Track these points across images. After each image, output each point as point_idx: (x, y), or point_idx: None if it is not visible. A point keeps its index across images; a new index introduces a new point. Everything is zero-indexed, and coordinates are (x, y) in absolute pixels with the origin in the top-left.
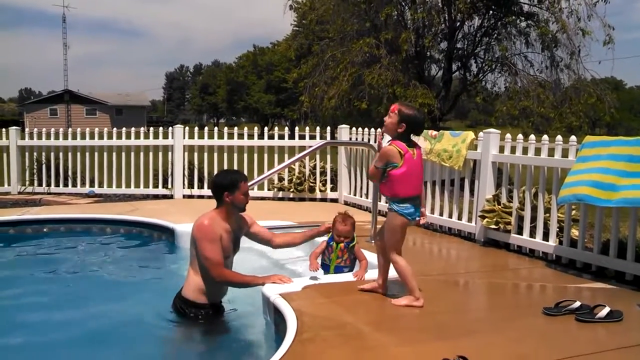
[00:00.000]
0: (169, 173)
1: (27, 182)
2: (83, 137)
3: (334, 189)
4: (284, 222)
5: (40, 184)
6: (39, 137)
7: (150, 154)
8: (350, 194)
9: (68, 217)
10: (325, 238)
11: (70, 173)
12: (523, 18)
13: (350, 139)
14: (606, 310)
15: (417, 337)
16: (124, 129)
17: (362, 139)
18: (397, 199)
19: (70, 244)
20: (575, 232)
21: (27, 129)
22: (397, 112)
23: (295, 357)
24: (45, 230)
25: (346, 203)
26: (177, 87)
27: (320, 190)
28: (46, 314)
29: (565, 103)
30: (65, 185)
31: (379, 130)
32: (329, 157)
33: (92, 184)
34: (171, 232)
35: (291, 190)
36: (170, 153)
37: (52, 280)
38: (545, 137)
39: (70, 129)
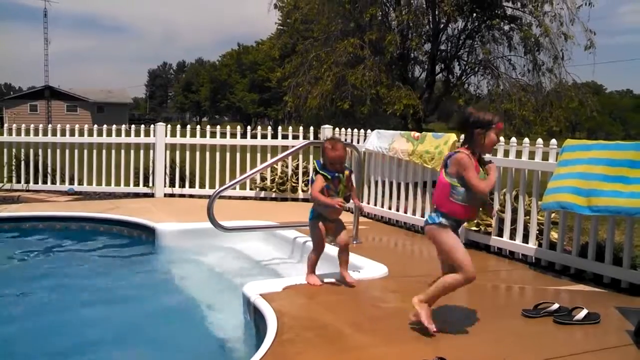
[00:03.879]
0: (150, 171)
1: (5, 179)
2: (63, 133)
3: None
4: (266, 222)
5: (18, 181)
6: (18, 133)
7: (132, 151)
8: None
9: (47, 215)
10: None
11: (49, 170)
12: (506, 21)
13: None
14: (584, 312)
15: (397, 338)
16: (104, 126)
17: (345, 140)
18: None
19: (49, 242)
20: (554, 235)
21: (6, 125)
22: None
23: (275, 358)
24: (23, 227)
25: None
26: (160, 84)
27: (303, 191)
28: (23, 313)
29: (546, 107)
30: (45, 182)
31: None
32: (311, 157)
33: (72, 182)
34: (152, 231)
35: (273, 190)
36: (151, 151)
37: (30, 278)
38: (526, 140)
39: (50, 126)
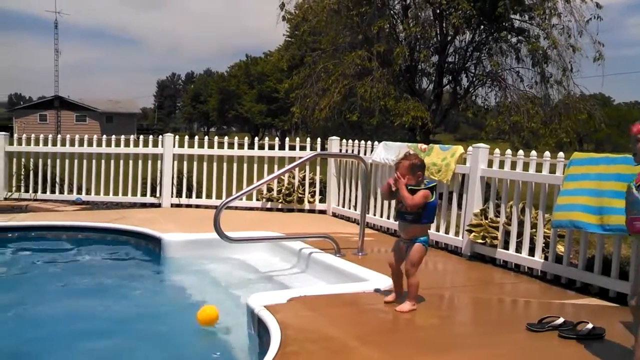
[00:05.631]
0: (158, 181)
1: (14, 188)
2: (72, 144)
3: (322, 201)
4: (272, 233)
5: (27, 190)
6: (28, 143)
7: (140, 162)
8: (338, 205)
9: (54, 224)
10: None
11: (58, 180)
12: (514, 33)
13: (340, 150)
14: (589, 327)
15: (402, 352)
16: (113, 136)
17: (352, 151)
18: None
19: (56, 251)
20: (560, 248)
21: (15, 135)
22: None
23: None
24: (30, 237)
25: (334, 215)
26: (169, 95)
27: (309, 202)
28: (28, 323)
29: (555, 119)
30: (53, 192)
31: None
32: (318, 168)
33: (79, 191)
34: (158, 241)
35: (280, 200)
36: (159, 161)
37: (37, 288)
38: (533, 152)
39: (59, 135)
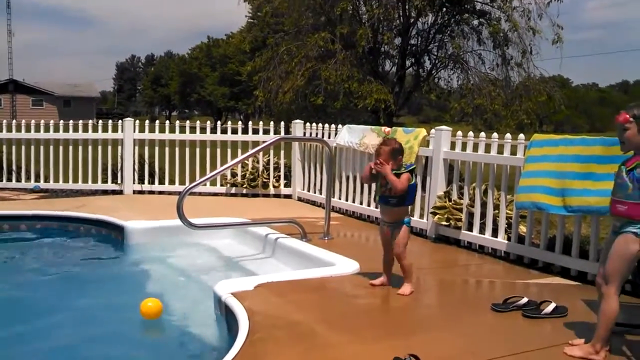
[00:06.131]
0: (119, 168)
1: None
2: (28, 129)
3: (287, 185)
4: (237, 219)
5: None
6: None
7: (99, 147)
8: (304, 190)
9: (11, 214)
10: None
11: (14, 167)
12: (476, 16)
13: (304, 134)
14: (552, 306)
15: (369, 335)
16: (71, 121)
17: (316, 135)
18: None
19: (13, 242)
20: (523, 229)
21: None
22: (634, 118)
23: (246, 358)
24: None
25: (300, 199)
26: (128, 78)
27: (274, 186)
28: None
29: (515, 100)
30: (9, 180)
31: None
32: (282, 152)
33: (37, 179)
34: (121, 229)
35: (244, 186)
36: (120, 147)
37: None
38: (495, 134)
39: (14, 121)
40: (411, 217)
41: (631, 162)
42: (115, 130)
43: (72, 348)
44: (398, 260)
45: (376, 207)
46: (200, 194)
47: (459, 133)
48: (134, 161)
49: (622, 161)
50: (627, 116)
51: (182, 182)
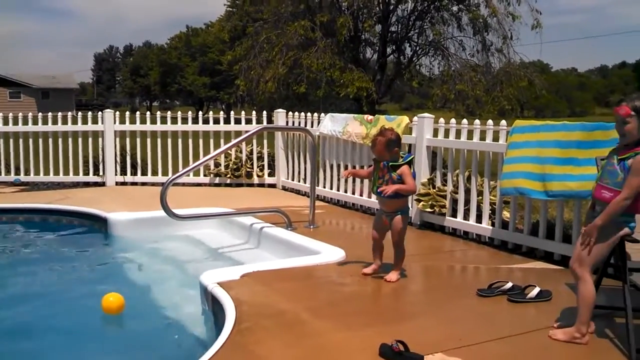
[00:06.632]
0: (100, 159)
1: None
2: (6, 122)
3: (271, 174)
4: (221, 209)
5: None
6: None
7: (80, 139)
8: (288, 179)
9: None
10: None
11: None
12: (455, 2)
13: (287, 123)
14: (536, 290)
15: (355, 322)
16: (50, 113)
17: (299, 124)
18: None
19: None
20: (506, 214)
21: None
22: (634, 111)
23: (234, 348)
24: None
25: (284, 188)
26: (107, 68)
27: (258, 176)
28: None
29: (497, 86)
30: None
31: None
32: (265, 141)
33: (17, 172)
34: (104, 221)
35: (228, 175)
36: (100, 139)
37: None
38: (477, 121)
39: None
40: (410, 207)
41: (625, 153)
42: (95, 122)
43: (55, 339)
44: (396, 248)
45: (360, 195)
46: (183, 184)
47: (442, 120)
48: (115, 153)
49: (613, 149)
50: (628, 109)
51: (164, 173)
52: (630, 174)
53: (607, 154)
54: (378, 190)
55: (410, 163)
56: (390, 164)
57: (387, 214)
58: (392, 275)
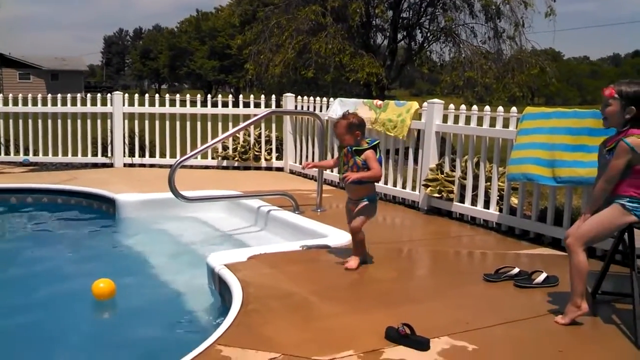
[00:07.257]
0: (109, 141)
1: None
2: (16, 103)
3: (279, 158)
4: (229, 191)
5: None
6: None
7: (89, 121)
8: (295, 162)
9: (1, 187)
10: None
11: (3, 140)
12: None
13: (296, 107)
14: (543, 275)
15: (362, 305)
16: (59, 95)
17: (308, 108)
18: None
19: (3, 215)
20: (514, 200)
21: None
22: (619, 94)
23: (241, 329)
24: None
25: (292, 172)
26: (117, 51)
27: (266, 159)
28: None
29: (507, 74)
30: None
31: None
32: (274, 125)
33: (26, 152)
34: (112, 202)
35: (236, 159)
36: (109, 120)
37: None
38: (487, 107)
39: (1, 95)
40: (377, 195)
41: (611, 142)
42: (104, 103)
43: (64, 321)
44: (352, 234)
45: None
46: (191, 167)
47: (451, 106)
48: (124, 134)
49: (603, 140)
50: (613, 91)
51: (172, 156)
52: (612, 157)
53: (599, 145)
54: (342, 177)
55: (375, 148)
56: (354, 148)
57: (353, 202)
58: (352, 262)
